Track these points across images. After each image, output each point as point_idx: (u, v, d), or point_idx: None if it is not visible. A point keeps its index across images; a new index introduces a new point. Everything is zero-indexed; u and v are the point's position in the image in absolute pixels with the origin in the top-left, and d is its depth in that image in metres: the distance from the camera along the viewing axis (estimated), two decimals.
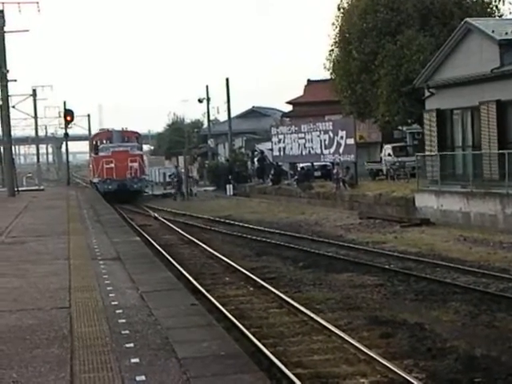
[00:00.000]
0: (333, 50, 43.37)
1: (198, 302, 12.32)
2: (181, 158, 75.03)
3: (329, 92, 48.12)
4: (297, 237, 27.57)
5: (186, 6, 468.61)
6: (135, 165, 51.93)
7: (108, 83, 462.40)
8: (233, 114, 72.78)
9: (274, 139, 53.92)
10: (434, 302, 15.44)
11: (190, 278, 18.11)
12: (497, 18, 38.44)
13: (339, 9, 42.58)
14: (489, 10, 39.42)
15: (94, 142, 56.36)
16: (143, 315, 10.73)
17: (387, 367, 10.61)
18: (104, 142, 54.76)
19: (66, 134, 71.72)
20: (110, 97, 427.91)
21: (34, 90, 73.75)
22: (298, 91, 70.87)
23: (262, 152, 59.77)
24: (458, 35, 30.63)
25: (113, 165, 51.40)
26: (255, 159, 60.57)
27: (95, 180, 53.86)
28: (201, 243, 25.88)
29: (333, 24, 42.87)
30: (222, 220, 35.11)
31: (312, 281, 18.39)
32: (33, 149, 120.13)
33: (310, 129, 47.73)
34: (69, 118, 61.80)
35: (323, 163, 48.70)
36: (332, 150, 44.33)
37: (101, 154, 53.09)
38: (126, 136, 55.26)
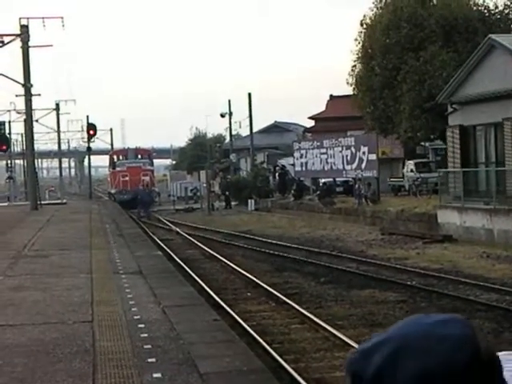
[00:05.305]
0: (355, 66, 43.40)
1: (220, 318, 12.31)
2: (203, 173, 75.25)
3: (351, 107, 48.05)
4: (318, 252, 27.50)
5: (209, 20, 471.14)
6: (147, 178, 59.90)
7: (130, 97, 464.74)
8: (255, 129, 72.97)
9: (296, 154, 53.90)
10: None
11: (212, 293, 18.11)
12: None
13: (362, 24, 42.65)
14: None
15: (112, 159, 65.13)
16: (165, 330, 10.72)
17: None
18: (120, 158, 63.78)
19: (89, 148, 72.25)
20: (133, 111, 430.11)
21: (58, 104, 74.34)
22: (320, 106, 71.02)
23: (283, 167, 59.74)
24: (482, 51, 30.55)
25: (127, 178, 59.74)
26: (276, 174, 60.60)
27: (113, 191, 62.49)
28: (222, 258, 25.89)
29: (355, 40, 43.01)
30: (243, 235, 35.10)
31: (333, 297, 18.34)
32: (55, 162, 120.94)
33: (332, 144, 47.68)
34: (91, 132, 62.20)
35: (345, 179, 48.60)
36: (354, 166, 44.25)
37: (117, 168, 61.66)
38: (139, 153, 64.67)
